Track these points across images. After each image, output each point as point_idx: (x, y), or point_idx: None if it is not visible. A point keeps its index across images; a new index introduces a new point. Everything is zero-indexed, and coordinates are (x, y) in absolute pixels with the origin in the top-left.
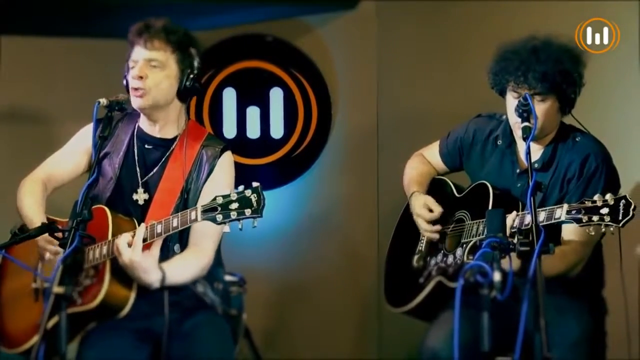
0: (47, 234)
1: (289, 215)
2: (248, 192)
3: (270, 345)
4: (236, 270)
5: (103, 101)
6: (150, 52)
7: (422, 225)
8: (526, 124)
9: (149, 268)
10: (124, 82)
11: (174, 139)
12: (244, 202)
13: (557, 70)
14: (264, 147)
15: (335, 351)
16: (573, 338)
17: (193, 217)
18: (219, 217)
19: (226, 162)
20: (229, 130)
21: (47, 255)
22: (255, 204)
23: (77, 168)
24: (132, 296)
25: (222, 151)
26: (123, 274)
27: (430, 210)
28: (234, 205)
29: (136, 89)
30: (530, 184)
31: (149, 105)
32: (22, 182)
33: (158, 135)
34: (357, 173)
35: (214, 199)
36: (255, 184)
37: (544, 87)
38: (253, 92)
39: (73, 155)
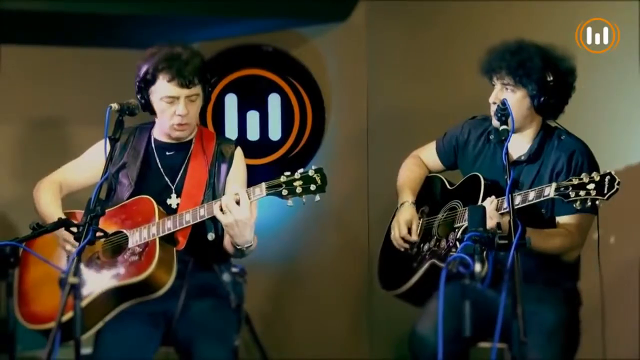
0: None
1: (286, 210)
2: (311, 172)
3: (268, 330)
4: (237, 261)
5: (115, 106)
6: (190, 90)
7: (395, 234)
8: (504, 127)
9: (252, 226)
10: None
11: (190, 141)
12: (307, 179)
13: (523, 65)
14: (263, 149)
15: (328, 337)
16: (550, 326)
17: (258, 192)
18: (284, 192)
19: (241, 156)
20: (231, 132)
21: (68, 247)
22: (319, 181)
23: (92, 178)
24: (171, 279)
25: (236, 147)
26: (167, 256)
27: (409, 231)
28: (298, 182)
29: (181, 124)
30: (509, 182)
31: (188, 135)
32: (38, 183)
33: (176, 142)
34: (349, 172)
35: (279, 177)
36: (317, 167)
37: (509, 78)
38: (253, 98)
39: (90, 166)
